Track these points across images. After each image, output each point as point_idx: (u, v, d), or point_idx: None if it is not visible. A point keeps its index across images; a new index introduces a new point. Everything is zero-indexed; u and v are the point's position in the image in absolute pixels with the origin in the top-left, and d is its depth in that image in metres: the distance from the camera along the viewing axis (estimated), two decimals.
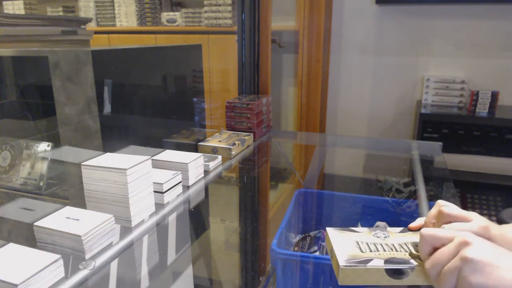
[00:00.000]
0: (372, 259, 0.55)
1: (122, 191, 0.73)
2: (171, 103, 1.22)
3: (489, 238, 0.55)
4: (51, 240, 0.65)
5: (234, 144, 1.23)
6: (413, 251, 0.58)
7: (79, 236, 0.63)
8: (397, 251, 0.58)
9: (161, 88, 1.16)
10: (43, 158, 1.14)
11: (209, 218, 1.29)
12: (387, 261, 0.54)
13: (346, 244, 0.60)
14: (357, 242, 0.60)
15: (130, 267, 0.82)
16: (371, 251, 0.58)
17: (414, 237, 0.62)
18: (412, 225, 0.65)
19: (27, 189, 1.11)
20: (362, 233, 0.63)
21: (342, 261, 0.55)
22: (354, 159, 2.22)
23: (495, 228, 0.57)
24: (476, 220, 0.57)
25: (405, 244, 0.60)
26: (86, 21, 1.46)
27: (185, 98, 1.29)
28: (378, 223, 0.66)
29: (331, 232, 0.64)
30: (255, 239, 1.42)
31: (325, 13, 2.36)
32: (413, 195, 1.36)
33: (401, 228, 0.65)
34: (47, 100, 1.19)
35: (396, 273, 0.54)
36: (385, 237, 0.62)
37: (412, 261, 0.55)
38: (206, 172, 1.06)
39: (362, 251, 0.57)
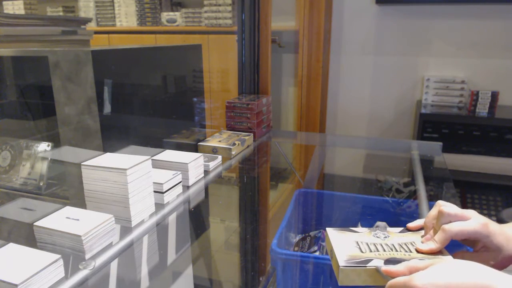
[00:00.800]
0: (372, 259, 0.55)
1: (122, 191, 0.73)
2: (171, 103, 1.22)
3: (488, 235, 0.56)
4: (51, 240, 0.65)
5: (234, 144, 1.23)
6: (414, 251, 0.58)
7: (79, 236, 0.63)
8: (397, 251, 0.58)
9: (161, 88, 1.16)
10: (43, 158, 1.14)
11: (209, 218, 1.29)
12: (387, 261, 0.54)
13: (346, 244, 0.60)
14: (357, 242, 0.60)
15: (130, 267, 0.82)
16: (371, 251, 0.57)
17: (414, 237, 0.62)
18: (411, 225, 0.65)
19: (27, 189, 1.11)
20: (362, 233, 0.63)
21: (342, 261, 0.55)
22: (354, 159, 2.22)
23: (494, 225, 0.57)
24: (475, 218, 0.57)
25: (405, 244, 0.60)
26: (86, 21, 1.46)
27: (185, 98, 1.29)
28: (378, 223, 0.66)
29: (331, 232, 0.64)
30: (255, 239, 1.42)
31: (325, 13, 2.36)
32: (413, 195, 1.36)
33: (401, 228, 0.65)
34: (47, 100, 1.19)
35: None
36: (385, 237, 0.62)
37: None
38: (206, 172, 1.06)
39: (362, 251, 0.57)
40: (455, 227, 0.56)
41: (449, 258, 0.56)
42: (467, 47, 2.36)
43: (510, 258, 0.56)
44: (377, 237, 0.62)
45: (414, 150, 1.42)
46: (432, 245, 0.57)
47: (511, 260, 0.56)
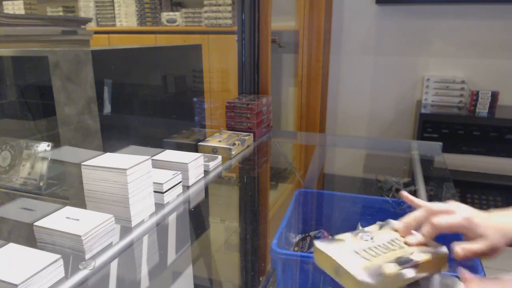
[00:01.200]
0: (382, 265, 0.54)
1: (122, 191, 0.73)
2: (171, 103, 1.22)
3: (471, 228, 0.56)
4: (51, 240, 0.65)
5: (234, 144, 1.23)
6: (405, 246, 0.59)
7: (79, 236, 0.63)
8: (394, 250, 0.59)
9: (161, 88, 1.16)
10: (43, 158, 1.14)
11: (209, 218, 1.30)
12: (396, 262, 0.55)
13: (348, 257, 0.57)
14: (355, 252, 0.59)
15: (130, 267, 0.82)
16: (374, 256, 0.57)
17: (393, 233, 0.63)
18: (396, 226, 0.65)
19: (27, 189, 1.11)
20: (350, 240, 0.62)
21: (365, 277, 0.52)
22: (354, 159, 2.22)
23: (478, 216, 0.58)
24: (459, 212, 0.59)
25: (393, 241, 0.61)
26: (86, 21, 1.46)
27: (185, 98, 1.29)
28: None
29: (322, 246, 0.60)
30: (255, 239, 1.42)
31: (325, 13, 2.36)
32: (413, 195, 1.36)
33: (374, 225, 0.66)
34: (47, 100, 1.19)
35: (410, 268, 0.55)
36: (371, 237, 0.62)
37: (411, 256, 0.56)
38: (206, 172, 1.06)
39: (367, 259, 0.56)
40: (444, 223, 0.58)
41: (443, 248, 0.57)
42: (467, 47, 2.36)
43: (494, 247, 0.55)
44: (365, 240, 0.62)
45: (414, 150, 1.42)
46: (419, 238, 0.59)
47: (496, 250, 0.55)
